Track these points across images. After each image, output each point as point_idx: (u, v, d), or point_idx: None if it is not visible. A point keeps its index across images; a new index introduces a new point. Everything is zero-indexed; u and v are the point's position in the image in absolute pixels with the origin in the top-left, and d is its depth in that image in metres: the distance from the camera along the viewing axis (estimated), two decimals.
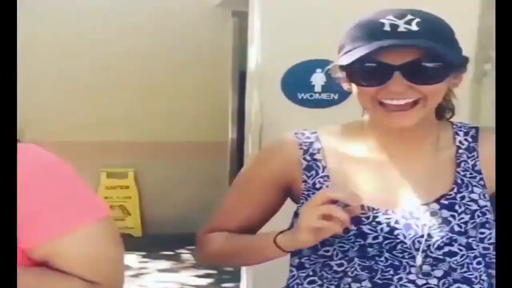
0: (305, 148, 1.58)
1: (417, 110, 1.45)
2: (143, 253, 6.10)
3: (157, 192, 6.68)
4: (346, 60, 1.46)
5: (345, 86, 1.55)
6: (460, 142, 1.57)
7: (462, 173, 1.53)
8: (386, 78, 1.42)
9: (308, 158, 1.57)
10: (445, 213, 1.49)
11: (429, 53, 1.41)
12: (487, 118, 3.50)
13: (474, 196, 1.50)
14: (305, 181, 1.56)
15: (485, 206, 1.50)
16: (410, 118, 1.45)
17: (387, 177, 1.54)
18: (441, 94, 1.49)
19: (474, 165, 1.54)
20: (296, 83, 3.46)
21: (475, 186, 1.52)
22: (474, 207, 1.49)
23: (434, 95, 1.46)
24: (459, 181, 1.52)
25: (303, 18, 3.38)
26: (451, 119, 1.64)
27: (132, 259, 5.98)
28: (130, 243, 6.50)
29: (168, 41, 6.47)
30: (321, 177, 1.55)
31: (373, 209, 1.49)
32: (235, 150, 6.52)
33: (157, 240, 6.34)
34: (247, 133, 3.87)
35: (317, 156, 1.57)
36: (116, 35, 6.40)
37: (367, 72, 1.45)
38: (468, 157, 1.55)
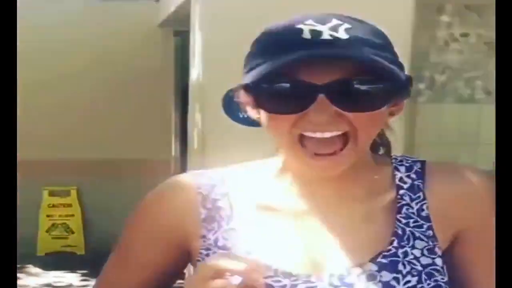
0: (205, 192, 1.20)
1: (347, 153, 1.09)
2: (86, 271, 6.07)
3: (100, 210, 6.66)
4: (250, 78, 1.09)
5: (253, 114, 1.17)
6: (401, 180, 1.20)
7: (403, 221, 1.17)
8: (307, 102, 1.05)
9: (208, 206, 1.19)
10: (386, 275, 1.13)
11: (364, 69, 1.05)
12: (422, 139, 3.63)
13: (416, 252, 1.15)
14: (204, 236, 1.18)
15: (431, 265, 1.15)
16: (338, 164, 1.10)
17: (309, 232, 1.17)
18: (378, 126, 1.14)
19: (420, 210, 1.18)
20: (237, 101, 3.52)
21: (418, 238, 1.16)
22: (419, 266, 1.14)
23: (369, 127, 1.10)
24: (400, 232, 1.16)
25: (243, 37, 3.45)
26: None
27: (74, 277, 5.96)
28: (73, 261, 6.51)
29: (111, 60, 6.49)
30: (226, 231, 1.18)
31: (291, 275, 1.13)
32: (178, 168, 6.56)
33: (100, 258, 6.28)
34: (189, 151, 3.92)
35: (221, 203, 1.20)
36: (59, 54, 6.40)
37: (281, 95, 1.08)
38: (412, 200, 1.19)
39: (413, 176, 1.21)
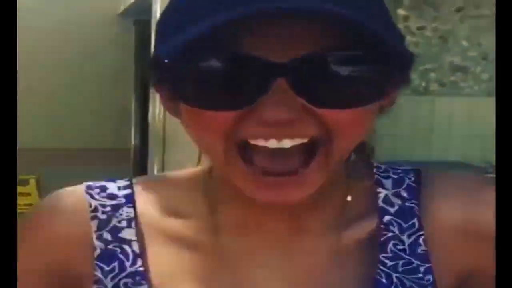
0: (104, 217, 0.83)
1: (315, 172, 0.71)
2: None
3: None
4: (164, 51, 0.71)
5: (170, 108, 0.78)
6: (386, 201, 0.82)
7: (389, 263, 0.78)
8: (256, 91, 0.67)
9: (107, 237, 0.82)
10: None
11: (348, 39, 0.67)
12: (378, 132, 3.70)
13: None
14: (98, 281, 0.80)
15: None
16: (300, 188, 0.71)
17: (251, 281, 0.79)
18: (364, 129, 0.74)
19: (414, 245, 0.79)
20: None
21: None
22: None
23: (351, 130, 0.71)
24: (384, 280, 0.77)
25: None
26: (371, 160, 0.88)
27: None
28: None
29: (70, 48, 6.47)
30: (130, 275, 0.79)
31: None
32: (138, 157, 6.58)
33: None
34: (150, 140, 3.95)
35: (127, 234, 0.82)
36: (18, 41, 6.37)
37: (213, 80, 0.68)
38: (403, 230, 0.80)
39: (404, 194, 0.82)
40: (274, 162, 0.70)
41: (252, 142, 0.70)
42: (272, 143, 0.69)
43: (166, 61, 0.70)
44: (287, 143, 0.69)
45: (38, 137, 6.60)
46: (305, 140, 0.69)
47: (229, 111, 0.68)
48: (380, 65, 0.69)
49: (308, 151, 0.71)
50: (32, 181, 6.73)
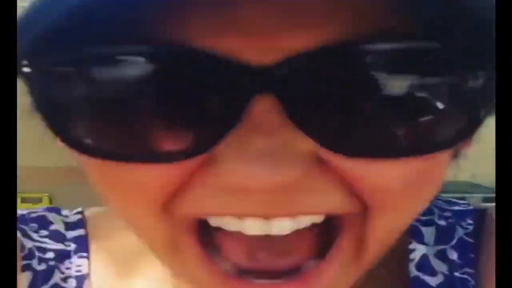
0: (43, 267, 0.54)
1: (339, 267, 0.38)
2: None
3: None
4: (25, 39, 0.34)
5: (78, 157, 0.45)
6: (423, 266, 0.49)
7: None
8: (220, 125, 0.33)
9: None
10: None
11: (400, 18, 0.32)
12: None
13: None
14: None
15: None
16: None
17: None
18: (432, 192, 0.41)
19: None
20: None
21: None
22: None
23: (407, 199, 0.37)
24: None
25: None
26: None
27: None
28: None
29: None
30: None
31: None
32: None
33: None
34: None
35: None
36: None
37: (133, 100, 0.34)
38: None
39: (453, 256, 0.49)
40: (258, 254, 0.38)
41: (214, 223, 0.38)
42: (254, 227, 0.36)
43: (24, 62, 0.36)
44: (282, 227, 0.36)
45: (51, 155, 6.64)
46: (319, 219, 0.38)
47: (166, 164, 0.36)
48: (477, 71, 0.35)
49: (324, 230, 0.39)
50: (46, 199, 6.77)
